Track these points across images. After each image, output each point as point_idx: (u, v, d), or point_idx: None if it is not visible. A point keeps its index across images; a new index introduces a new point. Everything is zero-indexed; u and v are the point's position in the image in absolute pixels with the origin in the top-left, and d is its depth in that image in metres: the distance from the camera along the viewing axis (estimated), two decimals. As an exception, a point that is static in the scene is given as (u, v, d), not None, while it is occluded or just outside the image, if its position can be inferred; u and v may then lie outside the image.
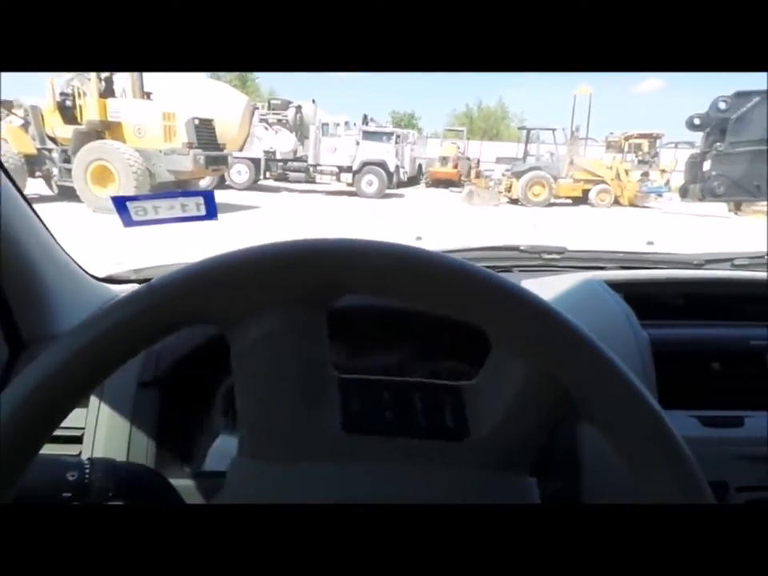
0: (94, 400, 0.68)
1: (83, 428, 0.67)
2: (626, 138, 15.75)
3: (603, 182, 12.63)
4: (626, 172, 12.95)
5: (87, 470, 0.54)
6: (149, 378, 0.70)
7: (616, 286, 0.86)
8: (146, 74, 8.51)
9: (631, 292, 0.87)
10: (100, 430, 0.67)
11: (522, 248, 1.09)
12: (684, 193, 7.87)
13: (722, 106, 4.48)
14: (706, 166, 4.95)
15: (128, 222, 0.61)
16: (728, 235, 7.38)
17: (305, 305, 0.35)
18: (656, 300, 0.89)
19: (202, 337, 0.71)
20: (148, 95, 8.57)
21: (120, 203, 0.60)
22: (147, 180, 7.81)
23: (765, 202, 10.01)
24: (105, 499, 0.53)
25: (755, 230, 9.24)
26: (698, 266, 1.07)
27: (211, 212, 0.64)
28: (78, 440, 0.67)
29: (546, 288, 0.88)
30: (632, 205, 12.32)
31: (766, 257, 1.10)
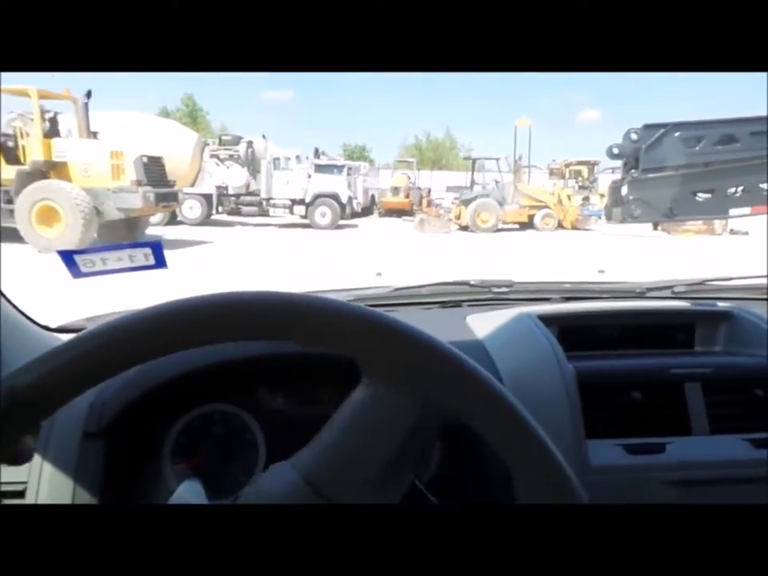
0: (38, 452, 0.66)
1: (26, 482, 0.66)
2: (567, 165, 16.62)
3: (547, 206, 13.25)
4: (569, 197, 13.62)
5: None
6: (93, 429, 0.68)
7: (551, 319, 0.89)
8: (91, 114, 8.47)
9: (566, 325, 0.90)
10: (43, 484, 0.66)
11: (471, 282, 1.12)
12: (608, 215, 8.50)
13: (634, 137, 4.92)
14: (624, 191, 5.40)
15: (76, 273, 0.61)
16: (660, 252, 7.89)
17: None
18: (589, 332, 0.92)
19: (147, 384, 0.71)
20: (95, 134, 8.52)
21: (67, 257, 0.60)
22: (95, 218, 7.71)
23: (693, 222, 10.78)
24: None
25: (684, 248, 9.88)
26: (640, 295, 1.11)
27: (160, 261, 0.64)
28: (20, 495, 0.66)
29: (484, 323, 0.92)
30: (574, 228, 12.94)
31: (703, 283, 1.15)
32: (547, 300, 1.08)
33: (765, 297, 1.14)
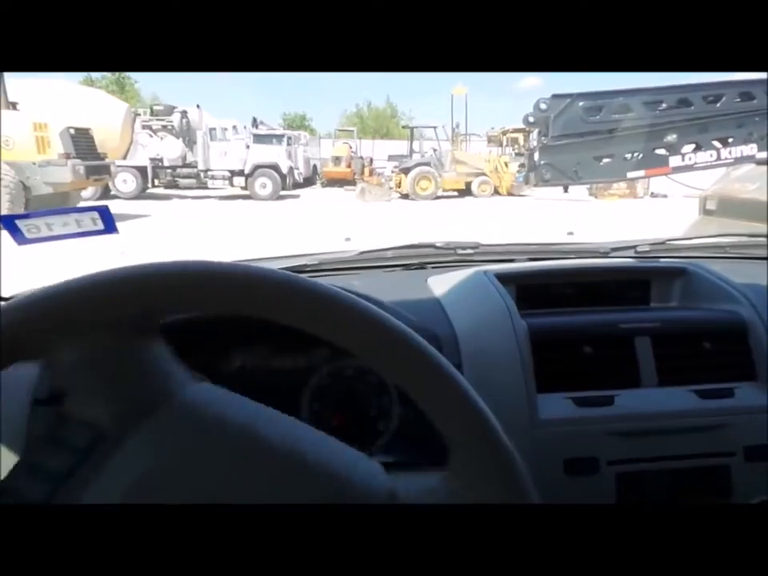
0: None
1: None
2: (504, 133, 17.03)
3: (483, 174, 13.66)
4: (506, 164, 14.05)
5: None
6: (44, 396, 0.67)
7: (509, 278, 0.90)
8: (10, 84, 8.05)
9: (523, 283, 0.92)
10: None
11: (437, 245, 1.11)
12: (526, 180, 9.11)
13: (543, 106, 5.36)
14: (536, 156, 5.88)
15: (21, 240, 0.59)
16: (589, 215, 8.40)
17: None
18: (547, 290, 0.94)
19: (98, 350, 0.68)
20: (14, 105, 8.11)
21: (8, 222, 0.58)
22: (21, 193, 7.43)
23: (617, 186, 11.48)
24: None
25: (610, 210, 10.50)
26: (604, 254, 1.12)
27: (109, 226, 0.62)
28: None
29: (441, 283, 0.93)
30: (510, 194, 13.43)
31: (665, 243, 1.17)
32: (512, 261, 1.08)
33: (725, 255, 1.17)
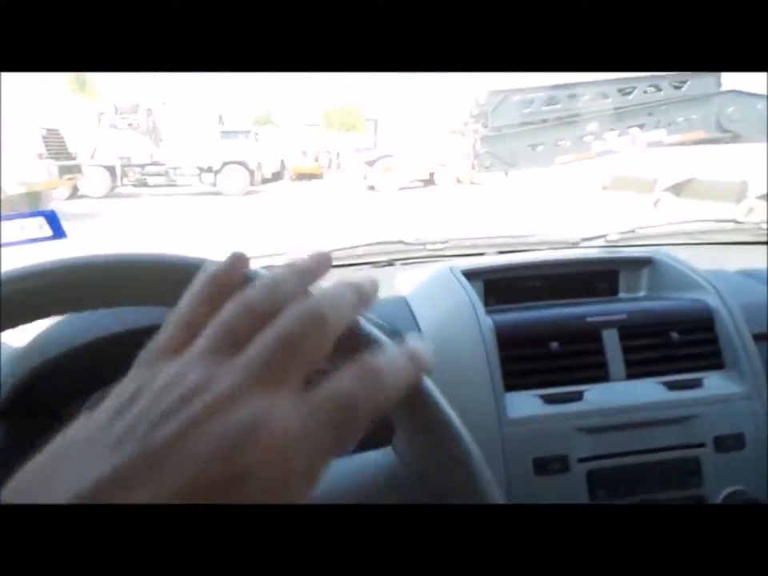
0: None
1: None
2: (465, 124, 17.59)
3: (445, 165, 14.20)
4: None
5: None
6: None
7: (476, 273, 0.89)
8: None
9: (490, 278, 0.90)
10: None
11: (406, 240, 1.11)
12: (471, 167, 9.94)
13: (481, 101, 6.04)
14: (477, 146, 6.56)
15: None
16: (547, 201, 8.92)
17: None
18: (514, 284, 0.93)
19: (47, 359, 0.68)
20: (-18, 107, 8.25)
21: None
22: (-7, 193, 7.63)
23: (558, 174, 12.19)
24: None
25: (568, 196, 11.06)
26: (574, 245, 1.11)
27: (58, 231, 0.59)
28: None
29: (408, 280, 0.92)
30: (472, 183, 14.01)
31: (634, 231, 1.17)
32: (481, 255, 1.07)
33: (693, 242, 1.18)
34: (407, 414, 0.36)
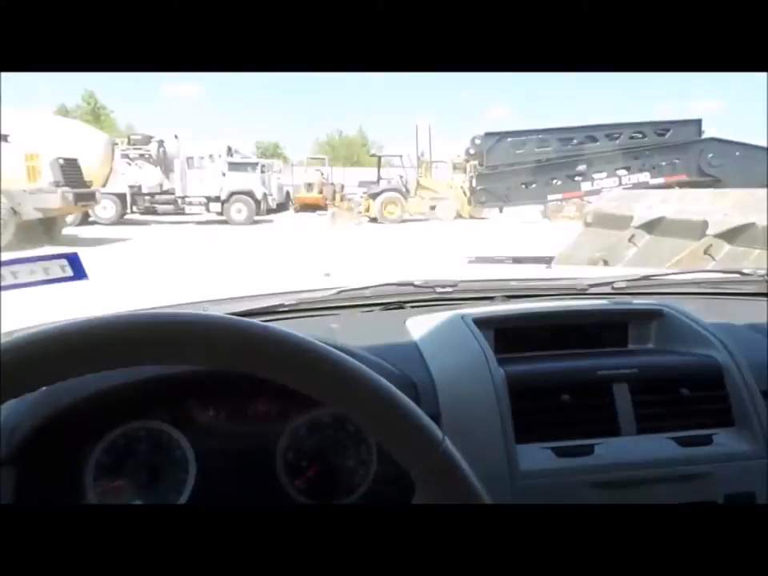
0: None
1: None
2: (467, 160, 18.08)
3: (446, 198, 14.63)
4: (465, 190, 15.04)
5: None
6: (2, 456, 0.67)
7: (488, 321, 0.90)
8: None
9: (501, 327, 0.91)
10: None
11: (416, 283, 1.11)
12: (469, 202, 10.38)
13: (478, 141, 6.49)
14: (474, 182, 6.98)
15: None
16: (545, 235, 9.10)
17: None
18: (525, 333, 0.93)
19: (59, 405, 0.70)
20: (5, 138, 8.68)
21: None
22: (12, 219, 7.98)
23: (569, 209, 12.56)
24: None
25: (562, 232, 11.35)
26: (582, 291, 1.11)
27: (79, 272, 0.61)
28: None
29: (421, 325, 0.92)
30: (471, 217, 14.40)
31: (642, 278, 1.18)
32: (490, 299, 1.08)
33: (700, 291, 1.17)
34: (428, 475, 0.37)
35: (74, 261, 0.60)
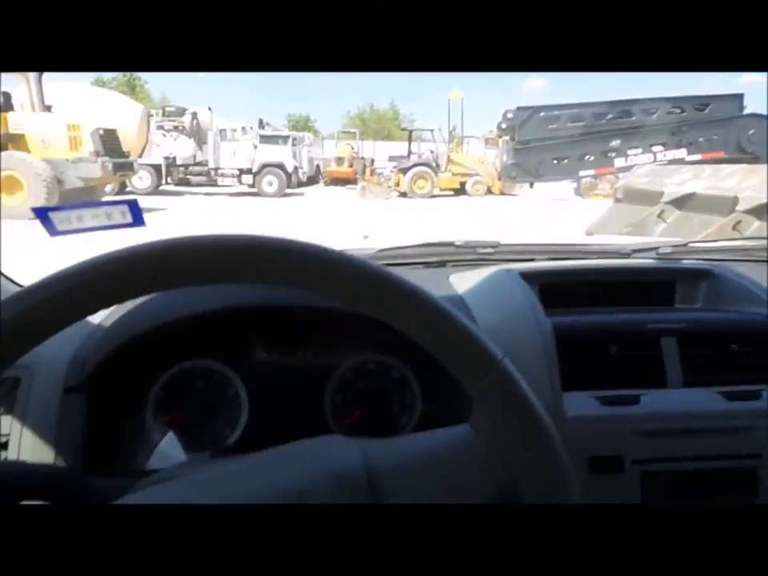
0: (18, 406, 0.68)
1: (8, 434, 0.67)
2: (499, 135, 17.75)
3: (477, 174, 14.47)
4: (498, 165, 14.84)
5: None
6: (74, 383, 0.69)
7: (532, 276, 0.90)
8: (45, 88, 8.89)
9: (546, 282, 0.91)
10: (26, 436, 0.67)
11: (456, 243, 1.11)
12: (499, 177, 10.25)
13: (510, 116, 6.40)
14: (506, 158, 6.89)
15: (53, 231, 0.59)
16: (578, 212, 9.02)
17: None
18: (570, 289, 0.93)
19: (127, 337, 0.73)
20: (49, 108, 8.96)
21: (42, 214, 0.57)
22: (56, 187, 8.29)
23: (602, 186, 12.24)
24: (18, 499, 0.54)
25: (595, 209, 11.12)
26: (626, 256, 1.10)
27: (138, 219, 0.62)
28: (3, 446, 0.67)
29: (465, 280, 0.92)
30: (502, 193, 14.22)
31: (686, 245, 1.16)
32: (532, 260, 1.08)
33: (745, 258, 1.17)
34: (488, 393, 0.38)
35: (134, 207, 0.62)
